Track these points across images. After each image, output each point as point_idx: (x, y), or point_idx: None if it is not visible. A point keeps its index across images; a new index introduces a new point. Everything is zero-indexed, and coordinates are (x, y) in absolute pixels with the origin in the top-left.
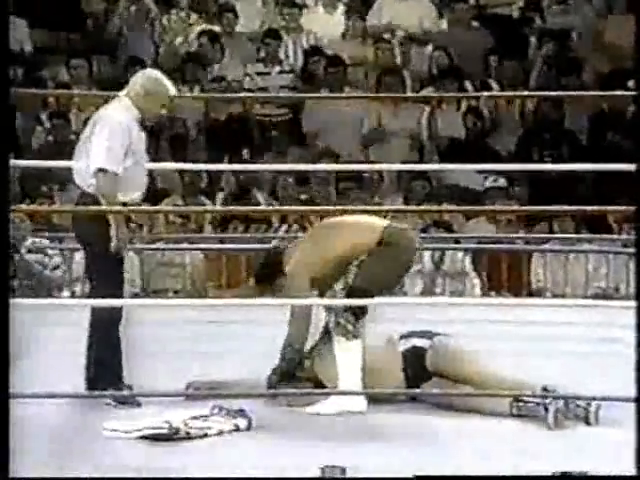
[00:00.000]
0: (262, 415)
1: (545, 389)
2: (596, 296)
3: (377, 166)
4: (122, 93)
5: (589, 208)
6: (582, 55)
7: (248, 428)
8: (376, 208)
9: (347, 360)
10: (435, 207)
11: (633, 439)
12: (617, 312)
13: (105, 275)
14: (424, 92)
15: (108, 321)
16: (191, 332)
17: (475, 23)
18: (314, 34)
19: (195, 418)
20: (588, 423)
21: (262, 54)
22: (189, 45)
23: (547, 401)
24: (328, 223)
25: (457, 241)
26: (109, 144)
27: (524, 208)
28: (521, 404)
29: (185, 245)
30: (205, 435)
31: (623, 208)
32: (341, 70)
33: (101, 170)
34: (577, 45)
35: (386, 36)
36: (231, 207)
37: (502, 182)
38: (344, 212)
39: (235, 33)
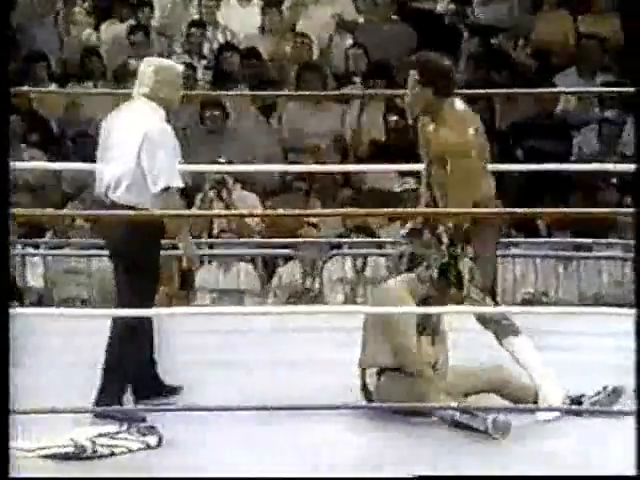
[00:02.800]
0: (174, 431)
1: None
2: (524, 302)
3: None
4: (138, 95)
5: (520, 210)
6: (509, 51)
7: (158, 445)
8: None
9: (529, 357)
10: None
11: None
12: (553, 319)
13: (140, 287)
14: (345, 90)
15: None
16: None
17: (395, 17)
18: (229, 29)
19: (102, 436)
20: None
21: (177, 49)
22: (98, 39)
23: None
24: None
25: (379, 246)
26: (166, 160)
27: (452, 210)
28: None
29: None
30: (112, 454)
31: (554, 210)
32: (257, 65)
33: (165, 189)
34: (504, 41)
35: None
36: (223, 211)
37: (412, 183)
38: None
39: (152, 27)
